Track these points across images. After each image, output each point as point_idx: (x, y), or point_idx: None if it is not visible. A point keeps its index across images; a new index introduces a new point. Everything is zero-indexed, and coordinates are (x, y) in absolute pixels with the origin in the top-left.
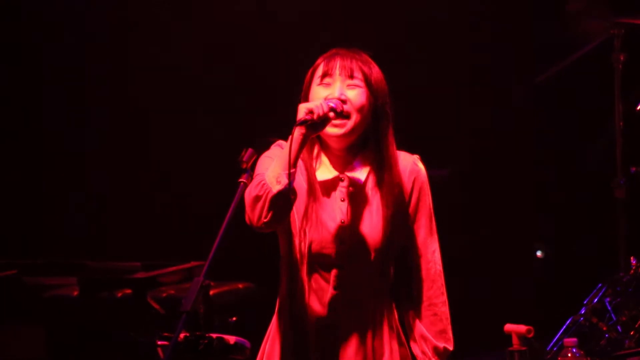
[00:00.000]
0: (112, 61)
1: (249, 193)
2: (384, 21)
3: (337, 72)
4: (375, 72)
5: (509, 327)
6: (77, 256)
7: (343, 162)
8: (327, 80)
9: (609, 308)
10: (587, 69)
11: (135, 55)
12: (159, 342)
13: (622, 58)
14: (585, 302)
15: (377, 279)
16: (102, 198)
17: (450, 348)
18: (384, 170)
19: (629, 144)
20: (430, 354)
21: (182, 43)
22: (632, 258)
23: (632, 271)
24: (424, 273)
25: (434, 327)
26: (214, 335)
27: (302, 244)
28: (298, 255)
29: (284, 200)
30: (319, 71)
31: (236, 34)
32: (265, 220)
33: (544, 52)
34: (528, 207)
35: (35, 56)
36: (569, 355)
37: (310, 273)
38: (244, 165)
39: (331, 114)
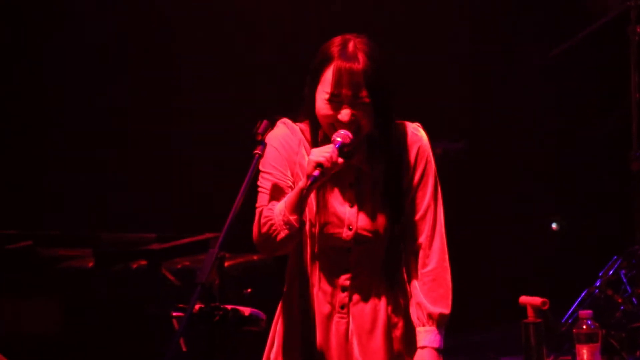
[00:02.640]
0: (136, 41)
1: (258, 227)
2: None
3: (345, 92)
4: (380, 75)
5: (524, 299)
6: (92, 227)
7: (350, 151)
8: (335, 99)
9: (624, 280)
10: (603, 42)
11: (158, 35)
12: (174, 314)
13: (638, 30)
14: (600, 275)
15: (387, 258)
16: (118, 170)
17: (446, 312)
18: (388, 152)
19: None
20: (424, 319)
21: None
22: None
23: None
24: (426, 239)
25: (432, 292)
26: (229, 307)
27: (312, 228)
28: (309, 240)
29: (291, 240)
30: (326, 84)
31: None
32: (272, 254)
33: (560, 25)
34: (544, 180)
35: (39, 50)
36: (584, 327)
37: (320, 255)
38: (259, 137)
39: (340, 160)
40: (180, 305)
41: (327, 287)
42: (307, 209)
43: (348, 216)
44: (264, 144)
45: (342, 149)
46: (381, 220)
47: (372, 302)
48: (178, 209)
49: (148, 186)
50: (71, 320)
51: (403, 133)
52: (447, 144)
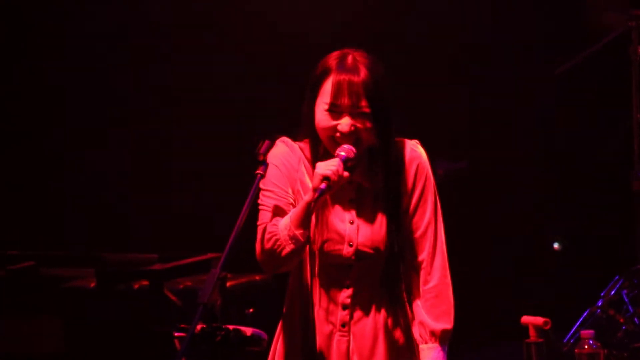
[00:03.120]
0: (139, 47)
1: (262, 243)
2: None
3: (345, 101)
4: (379, 86)
5: (526, 318)
6: (95, 248)
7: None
8: (335, 109)
9: (626, 300)
10: (605, 62)
11: (161, 43)
12: (176, 334)
13: (639, 51)
14: (602, 294)
15: (387, 275)
16: (120, 190)
17: (449, 327)
18: (388, 169)
19: None
20: (427, 337)
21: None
22: None
23: None
24: (428, 256)
25: (434, 309)
26: (231, 327)
27: (313, 244)
28: (309, 257)
29: (296, 256)
30: (326, 95)
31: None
32: (275, 270)
33: (562, 45)
34: (546, 200)
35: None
36: (586, 347)
37: (321, 273)
38: (261, 158)
39: (345, 174)
40: (182, 326)
41: (328, 305)
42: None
43: (348, 232)
44: (265, 164)
45: (346, 163)
46: (382, 236)
47: (373, 319)
48: (180, 229)
49: (150, 206)
50: (73, 341)
51: (402, 150)
52: (448, 164)
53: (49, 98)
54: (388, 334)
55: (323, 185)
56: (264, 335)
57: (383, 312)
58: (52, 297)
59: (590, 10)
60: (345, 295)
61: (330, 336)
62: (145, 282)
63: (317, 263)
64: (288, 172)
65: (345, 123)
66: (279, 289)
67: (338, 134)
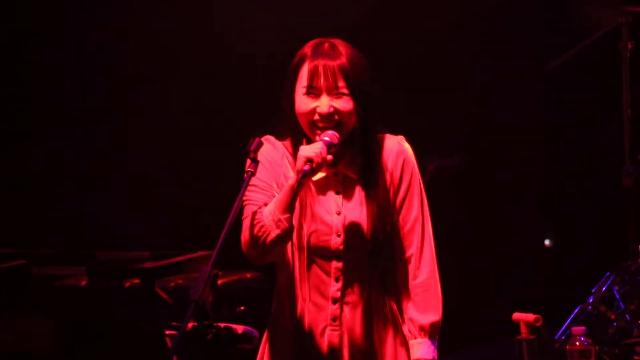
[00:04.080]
0: (136, 40)
1: (248, 230)
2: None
3: (323, 83)
4: (357, 69)
5: (517, 315)
6: (86, 246)
7: (334, 158)
8: (312, 91)
9: (617, 296)
10: (595, 57)
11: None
12: (167, 332)
13: (630, 46)
14: (593, 291)
15: (376, 268)
16: (110, 188)
17: (437, 319)
18: (373, 160)
19: (637, 132)
20: (416, 332)
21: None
22: (639, 246)
23: (639, 259)
24: (416, 251)
25: (423, 303)
26: (222, 325)
27: (301, 238)
28: (297, 250)
29: (282, 241)
30: (303, 79)
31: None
32: (263, 260)
33: (552, 40)
34: (536, 196)
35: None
36: (577, 343)
37: (309, 267)
38: (251, 155)
39: (329, 157)
40: (174, 324)
41: (318, 300)
42: (295, 219)
43: (335, 223)
44: (256, 162)
45: (329, 148)
46: (369, 227)
47: (364, 312)
48: (171, 226)
49: (141, 204)
50: (65, 339)
51: (388, 144)
52: (440, 160)
53: (35, 96)
54: (379, 326)
55: (307, 167)
56: (256, 333)
57: (373, 305)
58: (44, 295)
59: (581, 6)
60: (335, 288)
61: (322, 331)
62: (136, 281)
63: (305, 257)
64: (272, 167)
65: (324, 103)
66: (271, 287)
67: (317, 117)
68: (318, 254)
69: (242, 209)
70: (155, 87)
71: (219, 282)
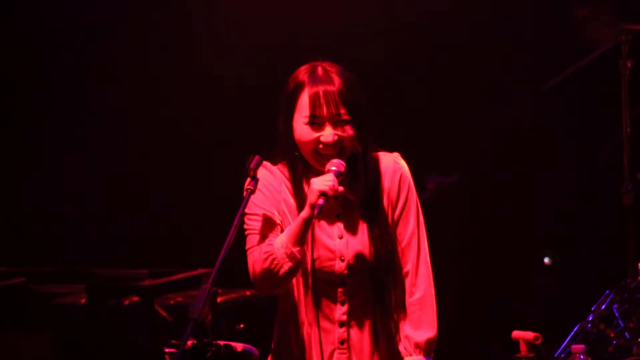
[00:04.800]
0: (135, 58)
1: (258, 264)
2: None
3: (325, 112)
4: (354, 92)
5: (516, 333)
6: (85, 264)
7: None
8: (316, 121)
9: (617, 314)
10: (594, 76)
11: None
12: (167, 350)
13: (629, 64)
14: (592, 309)
15: (378, 287)
16: (109, 206)
17: (432, 335)
18: (372, 181)
19: (636, 150)
20: (411, 349)
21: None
22: (639, 264)
23: (639, 277)
24: (412, 267)
25: (419, 320)
26: (222, 343)
27: (305, 264)
28: (301, 276)
29: (294, 274)
30: (304, 108)
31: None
32: (271, 291)
33: (551, 59)
34: (536, 214)
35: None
36: None
37: (315, 292)
38: (251, 172)
39: (340, 188)
40: (173, 342)
41: (325, 324)
42: None
43: (339, 248)
44: (256, 179)
45: (338, 177)
46: (371, 248)
47: (370, 333)
48: (170, 244)
49: (140, 222)
50: (63, 357)
51: (384, 162)
52: (440, 178)
53: (35, 113)
54: (385, 346)
55: (321, 201)
56: (255, 351)
57: (378, 325)
58: (43, 313)
59: (580, 25)
60: (340, 312)
61: (330, 355)
62: (135, 298)
63: (310, 282)
64: (271, 194)
65: (328, 133)
66: (270, 305)
67: (321, 146)
68: (323, 278)
69: (242, 226)
70: (154, 107)
71: (219, 299)
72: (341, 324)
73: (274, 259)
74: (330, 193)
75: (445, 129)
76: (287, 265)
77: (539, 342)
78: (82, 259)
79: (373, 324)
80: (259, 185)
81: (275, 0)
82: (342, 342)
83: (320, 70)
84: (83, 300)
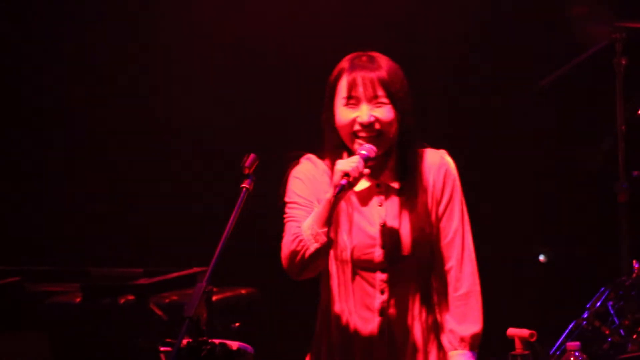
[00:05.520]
0: (128, 57)
1: (287, 245)
2: (383, 26)
3: (362, 92)
4: (395, 79)
5: (511, 331)
6: (80, 263)
7: (376, 169)
8: (352, 101)
9: (612, 312)
10: (589, 73)
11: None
12: (162, 348)
13: (623, 62)
14: (588, 306)
15: (419, 278)
16: (104, 204)
17: (477, 330)
18: (415, 172)
19: (631, 148)
20: (456, 344)
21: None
22: (634, 262)
23: (634, 275)
24: (456, 264)
25: (464, 317)
26: (217, 341)
27: (344, 251)
28: (341, 263)
29: (321, 256)
30: (342, 90)
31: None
32: (301, 276)
33: (546, 56)
34: (531, 211)
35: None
36: (572, 359)
37: (354, 280)
38: (247, 171)
39: (366, 171)
40: (168, 340)
41: (364, 313)
42: (337, 232)
43: (379, 235)
44: (251, 178)
45: (367, 162)
46: (411, 238)
47: (410, 323)
48: (165, 242)
49: (135, 220)
50: (59, 356)
51: (430, 157)
52: None
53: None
54: (423, 337)
55: (343, 181)
56: (250, 349)
57: (417, 316)
58: (38, 312)
59: (575, 23)
60: (380, 300)
61: (368, 343)
62: (130, 297)
63: (349, 270)
64: (312, 185)
65: (364, 113)
66: (265, 303)
67: (358, 127)
68: (362, 266)
69: (237, 225)
70: (147, 109)
71: (214, 298)
72: (381, 313)
73: (300, 241)
74: (354, 174)
75: (437, 128)
76: (313, 247)
77: (534, 339)
78: (77, 258)
79: (413, 314)
80: (301, 175)
81: None
82: (381, 332)
83: (364, 57)
84: (78, 299)
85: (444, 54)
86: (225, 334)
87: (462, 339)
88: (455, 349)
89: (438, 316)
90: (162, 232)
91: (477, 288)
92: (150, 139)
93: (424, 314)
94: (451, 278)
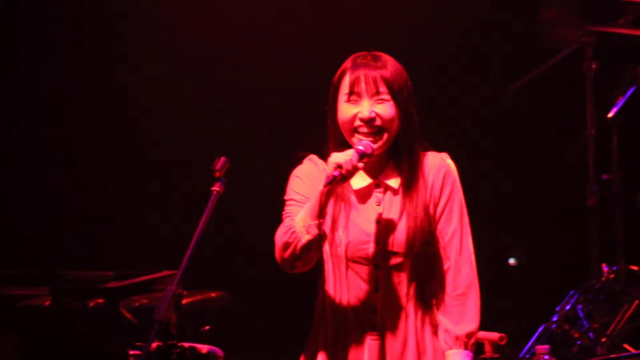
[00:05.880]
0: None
1: (279, 237)
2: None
3: (364, 88)
4: (399, 78)
5: (481, 334)
6: (49, 266)
7: (376, 168)
8: (353, 97)
9: (581, 315)
10: (559, 77)
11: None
12: (131, 352)
13: (593, 66)
14: (557, 309)
15: (414, 277)
16: (74, 207)
17: (473, 329)
18: (415, 172)
19: (601, 151)
20: (452, 342)
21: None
22: (603, 265)
23: (603, 278)
24: (454, 264)
25: (460, 315)
26: (186, 345)
27: (339, 247)
28: (336, 259)
29: (312, 248)
30: (345, 87)
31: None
32: (295, 267)
33: (516, 60)
34: (501, 214)
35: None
36: None
37: (349, 275)
38: (217, 174)
39: (360, 165)
40: (138, 344)
41: (358, 309)
42: (333, 228)
43: (375, 232)
44: (222, 181)
45: (362, 158)
46: (408, 237)
47: (403, 323)
48: (135, 246)
49: (105, 223)
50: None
51: (431, 158)
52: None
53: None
54: (418, 336)
55: (336, 173)
56: (220, 353)
57: (412, 316)
58: (7, 316)
59: (545, 27)
60: (375, 298)
61: (362, 340)
62: (100, 300)
63: (345, 266)
64: (311, 183)
65: (365, 108)
66: (235, 306)
67: (359, 122)
68: (357, 262)
69: (207, 228)
70: (111, 108)
71: (184, 301)
72: (374, 310)
73: (292, 233)
74: (346, 167)
75: None
76: (305, 238)
77: (503, 342)
78: (47, 261)
79: (407, 312)
80: (301, 174)
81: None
82: (374, 328)
83: (368, 56)
84: (48, 303)
85: (416, 58)
86: (195, 337)
87: (457, 338)
88: (451, 348)
89: (434, 316)
90: (132, 235)
91: (475, 289)
92: (120, 144)
93: (419, 313)
94: (449, 278)
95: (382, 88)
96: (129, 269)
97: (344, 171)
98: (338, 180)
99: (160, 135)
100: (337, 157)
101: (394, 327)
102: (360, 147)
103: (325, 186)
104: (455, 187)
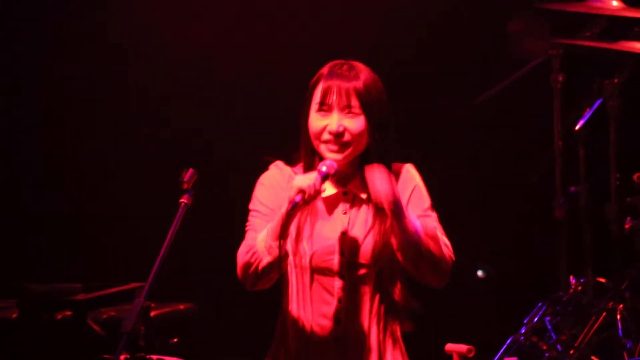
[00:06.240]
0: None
1: (241, 256)
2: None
3: (335, 100)
4: (372, 90)
5: (449, 347)
6: (16, 278)
7: (344, 177)
8: (324, 108)
9: (549, 327)
10: (526, 89)
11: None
12: None
13: (560, 78)
14: (525, 321)
15: (378, 288)
16: (40, 219)
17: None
18: None
19: (568, 163)
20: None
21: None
22: (571, 277)
23: (571, 290)
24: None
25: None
26: (155, 357)
27: (303, 259)
28: (300, 270)
29: (274, 269)
30: (317, 96)
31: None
32: (257, 286)
33: (482, 72)
34: (468, 226)
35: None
36: None
37: (313, 286)
38: (185, 186)
39: (323, 189)
40: (106, 356)
41: (321, 320)
42: (298, 239)
43: (340, 242)
44: (190, 193)
45: (325, 179)
46: (373, 248)
47: (367, 333)
48: (104, 257)
49: (72, 235)
50: None
51: (396, 170)
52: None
53: None
54: (381, 347)
55: (298, 198)
56: None
57: (375, 327)
58: None
59: (512, 39)
60: (337, 309)
61: (324, 351)
62: (68, 312)
63: (308, 276)
64: (275, 192)
65: (334, 121)
66: (203, 319)
67: (327, 135)
68: (321, 273)
69: (175, 240)
70: (84, 116)
71: (152, 313)
72: (337, 321)
73: (254, 253)
74: (309, 191)
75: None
76: (266, 259)
77: (472, 355)
78: (14, 274)
79: (370, 324)
80: (266, 182)
81: None
82: (336, 340)
83: (345, 66)
84: (14, 315)
85: (379, 65)
86: (163, 349)
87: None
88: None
89: (397, 328)
90: (101, 246)
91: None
92: (91, 152)
93: (381, 324)
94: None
95: (354, 102)
96: (97, 281)
97: (306, 196)
98: (301, 205)
99: (128, 144)
100: (299, 181)
101: (356, 339)
102: (323, 169)
103: (287, 211)
104: (417, 188)
